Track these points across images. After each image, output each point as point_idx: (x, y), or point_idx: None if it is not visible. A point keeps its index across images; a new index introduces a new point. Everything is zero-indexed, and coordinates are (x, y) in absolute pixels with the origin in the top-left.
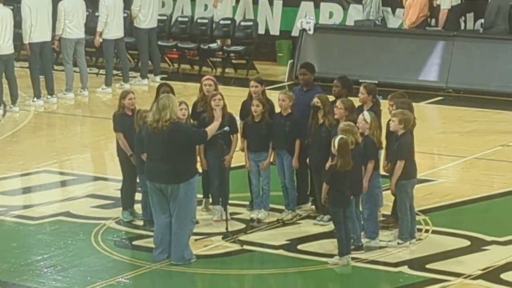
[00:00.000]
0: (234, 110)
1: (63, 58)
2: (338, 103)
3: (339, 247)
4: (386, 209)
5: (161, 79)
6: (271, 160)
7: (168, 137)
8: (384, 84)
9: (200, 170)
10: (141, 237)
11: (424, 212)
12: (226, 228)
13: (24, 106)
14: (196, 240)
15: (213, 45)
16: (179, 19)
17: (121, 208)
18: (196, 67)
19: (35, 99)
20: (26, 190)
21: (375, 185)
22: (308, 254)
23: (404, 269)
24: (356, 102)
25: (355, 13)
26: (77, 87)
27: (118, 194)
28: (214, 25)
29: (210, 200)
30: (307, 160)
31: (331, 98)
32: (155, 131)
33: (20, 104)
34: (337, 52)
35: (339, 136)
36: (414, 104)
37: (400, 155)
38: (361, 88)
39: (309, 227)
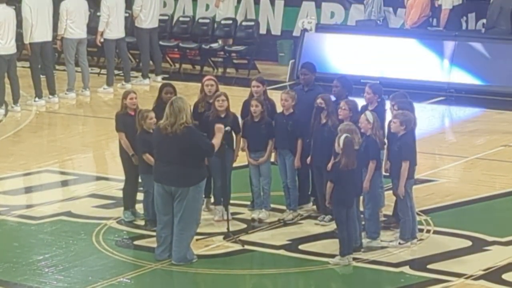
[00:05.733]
0: (235, 110)
1: (65, 58)
2: (343, 104)
3: (340, 247)
4: (387, 209)
5: (163, 79)
6: (273, 160)
7: (182, 141)
8: (386, 84)
9: None
10: (142, 237)
11: (425, 212)
12: (228, 228)
13: (25, 106)
14: (197, 240)
15: (215, 45)
16: (181, 19)
17: (122, 208)
18: (198, 67)
19: (36, 98)
20: (28, 189)
21: (377, 185)
22: (309, 254)
23: (406, 269)
24: (361, 102)
25: (357, 13)
26: (78, 87)
27: (119, 194)
28: (215, 25)
29: (212, 200)
30: (308, 159)
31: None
32: (169, 134)
33: (22, 103)
34: (339, 52)
35: (344, 135)
36: (415, 104)
37: (405, 156)
38: (367, 88)
39: (310, 227)
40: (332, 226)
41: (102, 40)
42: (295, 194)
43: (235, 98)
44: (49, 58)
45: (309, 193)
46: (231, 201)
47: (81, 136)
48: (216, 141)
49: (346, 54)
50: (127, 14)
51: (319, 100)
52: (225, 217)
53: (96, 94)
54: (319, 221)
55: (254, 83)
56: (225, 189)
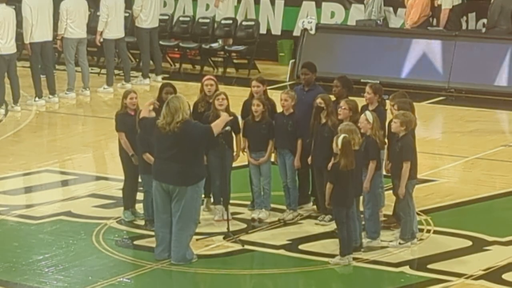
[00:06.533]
0: (236, 110)
1: (65, 57)
2: (343, 103)
3: (340, 247)
4: (387, 209)
5: (163, 78)
6: (273, 160)
7: (180, 138)
8: (386, 84)
9: None
10: (142, 236)
11: (425, 212)
12: (227, 228)
13: (25, 106)
14: (197, 240)
15: (215, 45)
16: (181, 18)
17: (122, 208)
18: (198, 67)
19: (36, 98)
20: (28, 189)
21: (377, 185)
22: (309, 254)
23: (406, 269)
24: (361, 102)
25: (357, 13)
26: (78, 87)
27: (119, 193)
28: (215, 25)
29: (212, 199)
30: (308, 159)
31: (332, 98)
32: (168, 133)
33: (22, 103)
34: (339, 52)
35: (342, 135)
36: (415, 104)
37: (406, 157)
38: (367, 88)
39: (310, 227)
40: (332, 226)
41: (101, 40)
42: (295, 194)
43: (235, 98)
44: (49, 58)
45: (309, 193)
46: (231, 201)
47: (81, 136)
48: (216, 126)
49: (346, 54)
50: (127, 14)
51: (319, 100)
52: (225, 217)
53: (96, 94)
54: (319, 221)
55: (254, 83)
56: (225, 189)
